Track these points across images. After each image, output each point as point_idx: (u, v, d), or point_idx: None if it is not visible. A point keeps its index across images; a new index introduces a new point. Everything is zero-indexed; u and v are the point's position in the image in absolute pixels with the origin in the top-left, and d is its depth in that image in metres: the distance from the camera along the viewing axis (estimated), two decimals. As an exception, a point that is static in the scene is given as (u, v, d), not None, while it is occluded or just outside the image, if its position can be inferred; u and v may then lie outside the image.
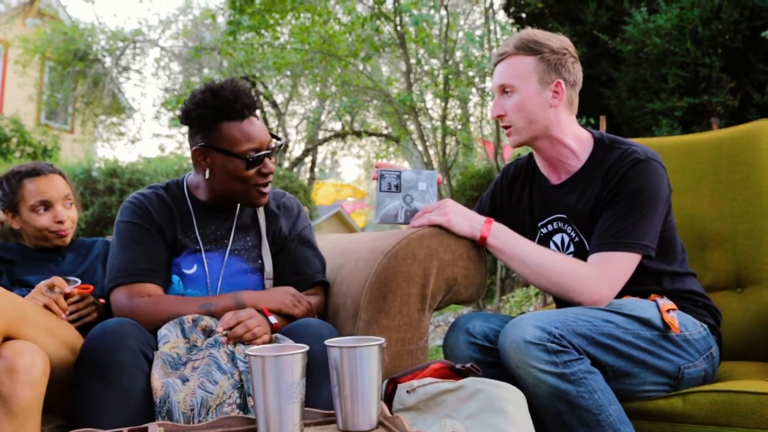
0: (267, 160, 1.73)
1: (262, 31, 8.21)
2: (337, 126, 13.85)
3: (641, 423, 1.58)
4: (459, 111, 9.24)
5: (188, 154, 8.48)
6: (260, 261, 1.80)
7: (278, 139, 1.79)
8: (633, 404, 1.59)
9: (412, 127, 8.81)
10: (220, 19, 10.76)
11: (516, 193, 1.93)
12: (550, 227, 1.82)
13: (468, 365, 1.41)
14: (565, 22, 5.26)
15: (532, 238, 1.82)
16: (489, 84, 7.78)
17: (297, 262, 1.82)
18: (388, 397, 1.42)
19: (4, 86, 13.07)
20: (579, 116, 1.84)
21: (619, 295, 1.65)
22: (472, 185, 8.57)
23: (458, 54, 8.12)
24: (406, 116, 8.60)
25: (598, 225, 1.68)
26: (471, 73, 7.64)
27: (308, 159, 14.48)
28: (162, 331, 1.54)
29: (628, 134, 4.55)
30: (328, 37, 8.13)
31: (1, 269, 1.89)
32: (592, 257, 1.65)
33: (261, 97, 12.32)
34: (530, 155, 1.94)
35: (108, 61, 13.16)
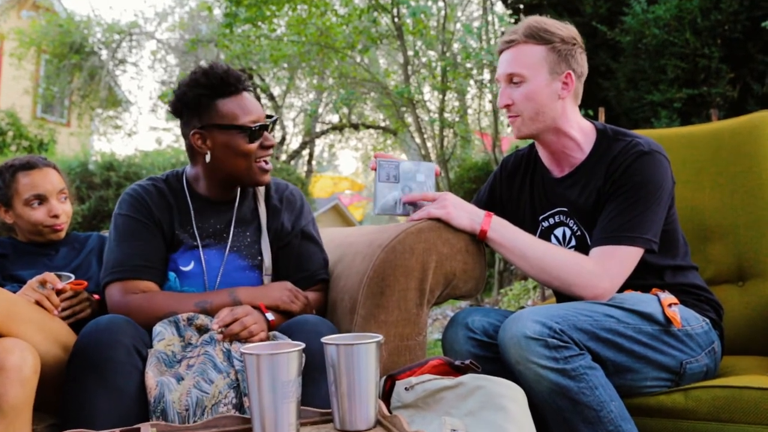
0: (266, 133, 1.71)
1: (259, 23, 8.16)
2: (335, 119, 13.80)
3: (643, 419, 1.56)
4: (456, 103, 9.20)
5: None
6: (260, 257, 1.76)
7: (270, 117, 1.77)
8: (634, 400, 1.57)
9: (409, 119, 8.76)
10: (217, 11, 10.68)
11: (516, 186, 1.90)
12: (551, 221, 1.80)
13: (467, 362, 1.39)
14: (563, 13, 5.22)
15: (533, 232, 1.79)
16: (487, 76, 7.74)
17: (300, 259, 1.79)
18: (386, 394, 1.40)
19: (0, 79, 12.99)
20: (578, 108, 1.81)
21: (621, 289, 1.63)
22: (470, 177, 8.55)
23: (456, 46, 8.07)
24: (403, 108, 8.57)
25: (600, 218, 1.66)
26: (469, 65, 7.60)
27: (306, 152, 14.43)
28: (157, 328, 1.52)
29: (626, 126, 4.51)
30: (325, 29, 8.08)
31: (-8, 264, 1.86)
32: (593, 251, 1.62)
33: (258, 90, 12.26)
34: (531, 147, 1.91)
35: (104, 53, 13.08)
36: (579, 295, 1.59)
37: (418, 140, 8.14)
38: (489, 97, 7.85)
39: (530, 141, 1.87)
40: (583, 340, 1.46)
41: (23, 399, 1.28)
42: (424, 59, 8.43)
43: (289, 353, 1.05)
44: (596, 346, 1.48)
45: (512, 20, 6.08)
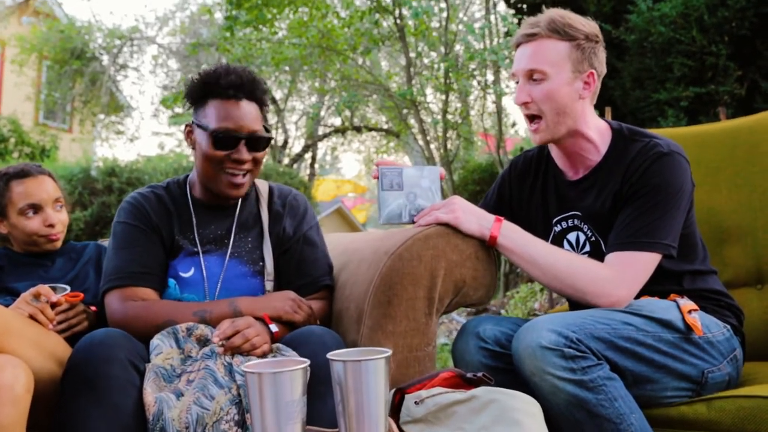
0: (242, 147, 1.64)
1: (260, 27, 8.12)
2: (337, 121, 13.78)
3: (664, 431, 1.50)
4: (459, 105, 9.15)
5: (188, 151, 8.41)
6: (261, 263, 1.72)
7: (268, 131, 1.70)
8: (654, 411, 1.50)
9: (412, 121, 8.72)
10: (218, 15, 10.67)
11: (527, 187, 1.83)
12: (564, 224, 1.73)
13: (480, 374, 1.33)
14: (567, 12, 5.16)
15: (545, 236, 1.73)
16: (490, 77, 7.69)
17: (303, 264, 1.74)
18: (395, 408, 1.34)
19: (1, 86, 12.98)
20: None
21: (637, 295, 1.57)
22: (474, 179, 8.50)
23: (458, 47, 8.02)
24: (406, 110, 8.53)
25: (616, 223, 1.59)
26: (472, 66, 7.54)
27: (308, 155, 14.41)
28: (154, 341, 1.46)
29: (633, 125, 4.45)
30: (326, 31, 8.05)
31: (-14, 276, 1.81)
32: (609, 257, 1.56)
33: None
34: (541, 147, 1.84)
35: (105, 59, 13.09)
36: (594, 303, 1.53)
37: (421, 142, 8.10)
38: (492, 98, 7.80)
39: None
40: (600, 349, 1.40)
41: (15, 419, 1.22)
42: (426, 61, 8.38)
43: (293, 371, 0.99)
44: (614, 356, 1.42)
45: (515, 20, 6.03)
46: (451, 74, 7.46)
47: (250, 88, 1.65)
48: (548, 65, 1.61)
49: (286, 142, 13.40)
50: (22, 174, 1.87)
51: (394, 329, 1.55)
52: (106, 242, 1.98)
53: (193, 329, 1.51)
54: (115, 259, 1.65)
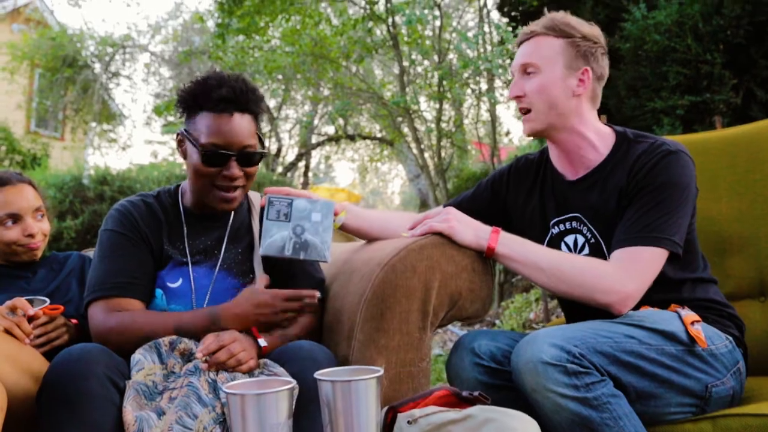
0: (233, 163, 1.58)
1: (253, 35, 8.08)
2: (331, 130, 13.71)
3: (668, 450, 1.44)
4: (453, 113, 9.12)
5: (180, 160, 8.34)
6: (251, 276, 1.66)
7: (263, 145, 1.65)
8: (657, 429, 1.44)
9: (406, 129, 8.68)
10: (210, 23, 10.61)
11: (524, 189, 1.79)
12: (562, 227, 1.68)
13: (476, 393, 1.27)
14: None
15: (541, 239, 1.69)
16: (484, 85, 7.66)
17: (294, 278, 1.68)
18: (388, 427, 1.28)
19: (-7, 94, 12.88)
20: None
21: (637, 305, 1.51)
22: (467, 188, 8.41)
23: (451, 55, 8.00)
24: (400, 119, 8.48)
25: (622, 221, 1.55)
26: (465, 74, 7.52)
27: (302, 163, 14.34)
28: (136, 356, 1.40)
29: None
30: (319, 39, 8.01)
31: (-36, 288, 1.74)
32: (614, 254, 1.51)
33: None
34: (542, 152, 1.81)
35: (97, 67, 13.00)
36: (604, 301, 1.47)
37: (415, 151, 8.06)
38: (486, 106, 7.78)
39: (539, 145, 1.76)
40: (603, 364, 1.34)
41: (-14, 440, 1.16)
42: (420, 69, 8.35)
43: (278, 392, 0.93)
44: (617, 371, 1.36)
45: (509, 28, 6.00)
46: (444, 82, 7.43)
47: (244, 101, 1.59)
48: (540, 59, 1.63)
49: (279, 151, 13.33)
50: (1, 182, 1.81)
51: (386, 344, 1.49)
52: (90, 252, 1.92)
53: (177, 343, 1.45)
54: (100, 268, 1.60)
